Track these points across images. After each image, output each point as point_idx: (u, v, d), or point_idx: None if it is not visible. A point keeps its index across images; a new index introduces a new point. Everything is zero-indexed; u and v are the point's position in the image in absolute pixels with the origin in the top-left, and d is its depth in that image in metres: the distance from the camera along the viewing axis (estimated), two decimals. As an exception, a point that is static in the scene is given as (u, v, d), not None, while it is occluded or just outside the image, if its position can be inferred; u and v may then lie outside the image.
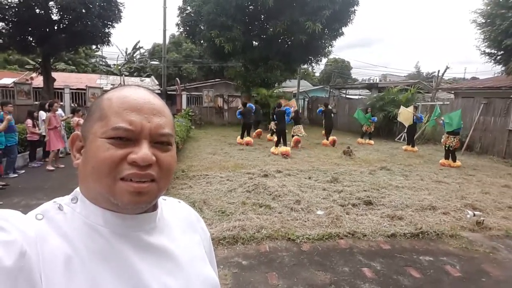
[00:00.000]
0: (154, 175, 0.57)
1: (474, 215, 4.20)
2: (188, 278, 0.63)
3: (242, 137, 10.99)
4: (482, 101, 10.48)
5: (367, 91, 21.68)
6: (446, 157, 8.04)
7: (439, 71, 15.70)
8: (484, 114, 10.32)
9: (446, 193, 5.49)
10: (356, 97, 22.17)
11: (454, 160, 7.96)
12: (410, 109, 10.61)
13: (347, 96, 23.17)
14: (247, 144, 10.47)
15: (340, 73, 37.47)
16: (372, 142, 11.72)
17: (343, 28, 16.31)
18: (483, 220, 4.17)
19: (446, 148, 8.04)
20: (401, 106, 11.33)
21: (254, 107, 11.85)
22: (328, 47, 17.57)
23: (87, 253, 0.53)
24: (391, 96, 13.72)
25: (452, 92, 15.76)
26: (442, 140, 8.28)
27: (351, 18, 15.91)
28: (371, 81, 28.65)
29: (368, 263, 3.17)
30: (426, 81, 23.20)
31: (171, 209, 0.72)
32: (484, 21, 11.61)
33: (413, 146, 10.34)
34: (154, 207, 0.64)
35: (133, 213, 0.59)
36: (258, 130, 12.48)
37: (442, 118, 8.35)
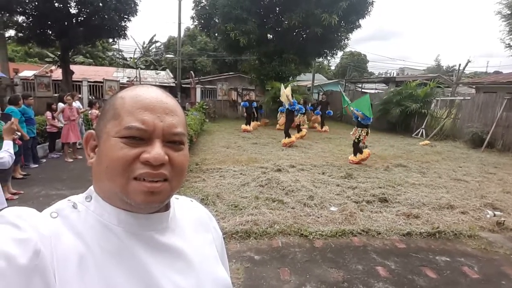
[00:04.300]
0: (166, 175, 0.57)
1: (494, 215, 4.08)
2: (199, 277, 0.63)
3: (252, 121, 12.93)
4: (506, 96, 10.06)
5: (384, 85, 21.19)
6: (355, 153, 7.15)
7: (460, 64, 15.24)
8: (507, 110, 9.90)
9: (465, 192, 5.33)
10: (373, 91, 21.73)
11: (355, 154, 7.11)
12: (288, 90, 9.67)
13: (363, 90, 22.73)
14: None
15: (356, 66, 36.80)
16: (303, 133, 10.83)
17: (360, 20, 15.89)
18: (504, 220, 4.03)
19: (355, 141, 7.07)
20: (282, 85, 10.42)
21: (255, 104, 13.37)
22: (344, 40, 17.15)
23: (101, 252, 0.54)
24: (409, 90, 13.34)
25: (473, 86, 15.24)
26: (351, 132, 7.29)
27: (369, 10, 15.47)
28: (388, 75, 28.00)
29: (382, 262, 3.12)
30: (446, 75, 22.51)
31: (184, 208, 0.72)
32: (509, 12, 11.14)
33: (288, 136, 9.39)
34: (167, 207, 0.64)
35: (146, 213, 0.59)
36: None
37: (352, 108, 7.31)
